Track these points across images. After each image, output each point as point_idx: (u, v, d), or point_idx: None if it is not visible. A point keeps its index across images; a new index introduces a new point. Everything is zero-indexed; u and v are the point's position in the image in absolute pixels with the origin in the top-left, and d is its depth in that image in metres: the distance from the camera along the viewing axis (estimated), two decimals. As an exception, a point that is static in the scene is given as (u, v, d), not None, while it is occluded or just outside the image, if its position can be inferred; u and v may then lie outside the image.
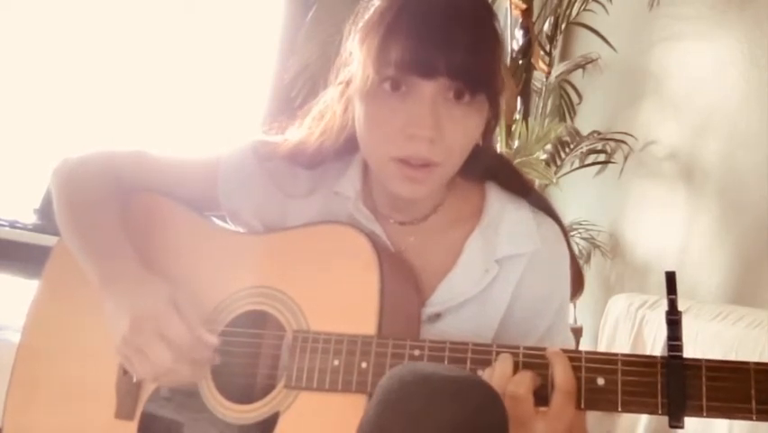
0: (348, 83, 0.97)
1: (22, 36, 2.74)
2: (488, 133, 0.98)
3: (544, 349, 0.82)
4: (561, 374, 0.79)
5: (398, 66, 0.86)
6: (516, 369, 0.81)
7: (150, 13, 2.94)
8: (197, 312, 0.95)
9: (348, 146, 1.01)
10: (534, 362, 0.82)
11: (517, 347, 0.83)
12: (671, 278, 0.78)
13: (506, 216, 1.01)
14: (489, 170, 1.05)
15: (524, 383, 0.79)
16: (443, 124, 0.88)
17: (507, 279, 1.00)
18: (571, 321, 1.35)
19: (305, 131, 1.03)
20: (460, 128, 0.90)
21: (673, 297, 0.77)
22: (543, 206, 1.05)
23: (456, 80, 0.87)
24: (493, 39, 0.91)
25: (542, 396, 0.80)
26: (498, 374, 0.81)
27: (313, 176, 1.04)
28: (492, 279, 0.99)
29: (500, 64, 0.93)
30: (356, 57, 0.94)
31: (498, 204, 1.02)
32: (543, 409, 0.80)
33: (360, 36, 0.93)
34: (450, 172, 0.94)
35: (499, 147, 2.57)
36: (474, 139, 0.93)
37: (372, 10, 0.93)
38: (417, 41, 0.86)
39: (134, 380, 0.99)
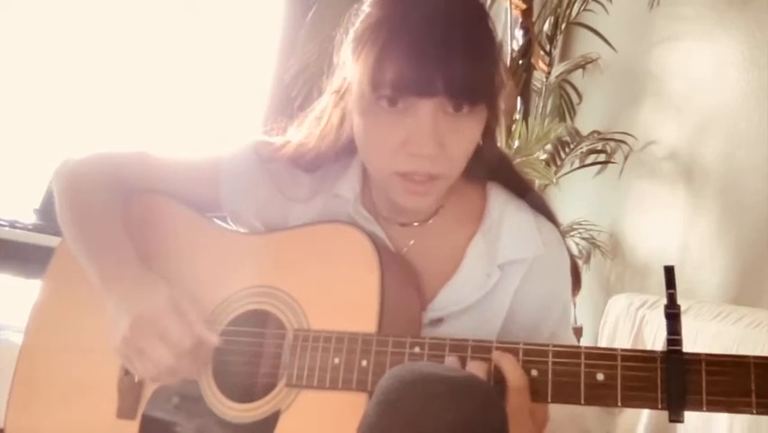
0: (342, 92, 0.96)
1: (23, 36, 2.74)
2: (488, 133, 0.97)
3: (543, 346, 0.82)
4: (509, 372, 0.80)
5: (394, 86, 0.85)
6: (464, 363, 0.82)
7: (151, 13, 2.94)
8: (198, 312, 0.95)
9: (347, 148, 1.01)
10: (535, 359, 0.82)
11: (517, 343, 0.83)
12: (669, 272, 0.78)
13: (507, 219, 1.01)
14: (490, 169, 1.04)
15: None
16: (444, 139, 0.87)
17: (508, 284, 1.00)
18: (571, 321, 1.34)
19: (304, 133, 1.03)
20: (461, 139, 0.90)
21: (672, 291, 0.77)
22: (541, 206, 1.05)
23: (455, 97, 0.86)
24: (489, 45, 0.90)
25: (542, 393, 0.80)
26: (512, 372, 0.80)
27: (313, 179, 1.04)
28: (494, 284, 0.99)
29: (498, 67, 0.92)
30: (350, 67, 0.93)
31: (500, 205, 1.02)
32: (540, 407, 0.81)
33: (353, 47, 0.91)
34: (453, 180, 0.94)
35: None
36: (475, 144, 0.93)
37: (365, 18, 0.91)
38: (413, 61, 0.84)
39: (136, 379, 0.99)
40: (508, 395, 0.79)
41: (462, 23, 0.88)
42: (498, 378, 0.81)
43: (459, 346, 0.84)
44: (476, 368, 0.81)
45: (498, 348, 0.83)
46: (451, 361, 0.83)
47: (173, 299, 0.94)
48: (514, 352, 0.82)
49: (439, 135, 0.87)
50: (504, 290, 0.99)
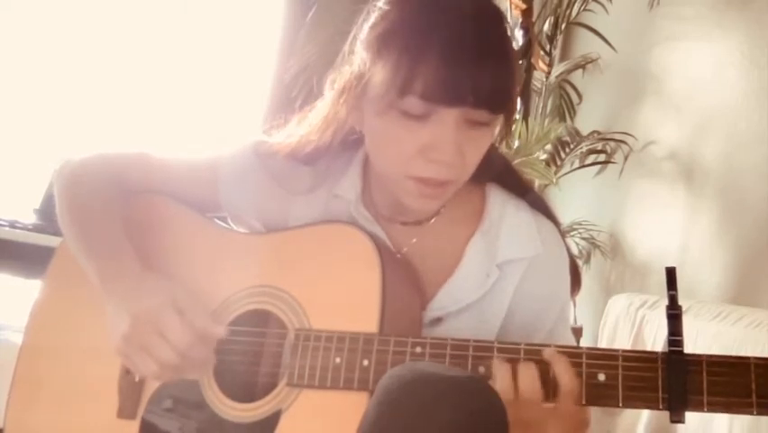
0: (351, 85, 0.94)
1: (22, 36, 2.74)
2: (495, 140, 0.98)
3: (544, 346, 0.82)
4: (563, 375, 0.79)
5: (425, 94, 0.84)
6: (514, 370, 0.81)
7: (150, 13, 2.94)
8: (200, 309, 0.95)
9: (348, 144, 1.01)
10: (535, 359, 0.82)
11: (518, 344, 0.83)
12: (671, 273, 0.78)
13: (506, 219, 1.01)
14: (491, 171, 1.04)
15: (534, 388, 0.80)
16: (463, 148, 0.87)
17: (507, 283, 1.00)
18: (571, 321, 1.34)
19: (305, 128, 1.03)
20: (477, 147, 0.90)
21: (673, 292, 0.77)
22: (540, 206, 1.05)
23: (480, 107, 0.85)
24: (513, 56, 0.90)
25: (544, 392, 0.80)
26: (500, 382, 0.80)
27: (314, 171, 1.04)
28: (493, 283, 0.99)
29: (517, 78, 0.92)
30: (366, 63, 0.91)
31: (499, 206, 1.02)
32: (548, 405, 0.81)
33: (374, 45, 0.89)
34: (461, 184, 0.94)
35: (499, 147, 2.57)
36: (485, 151, 0.93)
37: (386, 15, 0.90)
38: (445, 71, 0.83)
39: (137, 379, 0.99)
40: (560, 398, 0.79)
41: (492, 35, 0.88)
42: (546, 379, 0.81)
43: (460, 346, 0.84)
44: (525, 371, 0.80)
45: (499, 348, 0.83)
46: (499, 363, 0.82)
47: (174, 298, 0.93)
48: (515, 352, 0.82)
49: (460, 144, 0.87)
50: (503, 289, 0.99)
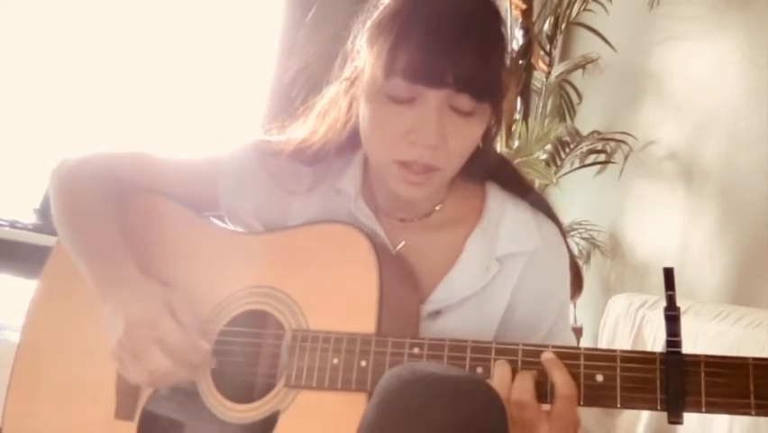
0: (353, 80, 0.97)
1: (23, 36, 2.74)
2: (488, 135, 0.98)
3: (542, 347, 0.82)
4: (559, 380, 0.79)
5: (406, 74, 0.86)
6: (514, 372, 0.81)
7: (150, 13, 2.94)
8: (194, 315, 0.95)
9: (350, 143, 1.01)
10: (533, 360, 0.82)
11: (516, 344, 0.83)
12: (669, 274, 0.78)
13: (506, 217, 1.02)
14: (489, 170, 1.05)
15: (528, 389, 0.80)
16: (446, 132, 0.88)
17: (507, 277, 1.00)
18: (571, 321, 1.34)
19: (308, 128, 1.03)
20: (462, 135, 0.91)
21: (672, 293, 0.77)
22: (542, 206, 1.06)
23: (463, 91, 0.87)
24: (500, 47, 0.92)
25: (541, 393, 0.80)
26: (498, 381, 0.81)
27: (315, 172, 1.04)
28: (492, 277, 0.99)
29: (504, 70, 0.93)
30: (363, 55, 0.94)
31: (499, 204, 1.03)
32: (546, 408, 0.81)
33: (369, 35, 0.93)
34: (449, 176, 0.95)
35: (499, 147, 2.58)
36: (475, 143, 0.94)
37: (383, 8, 0.93)
38: (426, 51, 0.85)
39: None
40: (555, 402, 0.80)
41: (479, 22, 0.89)
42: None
43: (458, 347, 0.84)
44: (524, 375, 0.81)
45: (497, 349, 0.83)
46: (498, 364, 0.83)
47: (169, 303, 0.93)
48: (513, 352, 0.82)
49: (442, 128, 0.88)
50: (502, 283, 1.00)
